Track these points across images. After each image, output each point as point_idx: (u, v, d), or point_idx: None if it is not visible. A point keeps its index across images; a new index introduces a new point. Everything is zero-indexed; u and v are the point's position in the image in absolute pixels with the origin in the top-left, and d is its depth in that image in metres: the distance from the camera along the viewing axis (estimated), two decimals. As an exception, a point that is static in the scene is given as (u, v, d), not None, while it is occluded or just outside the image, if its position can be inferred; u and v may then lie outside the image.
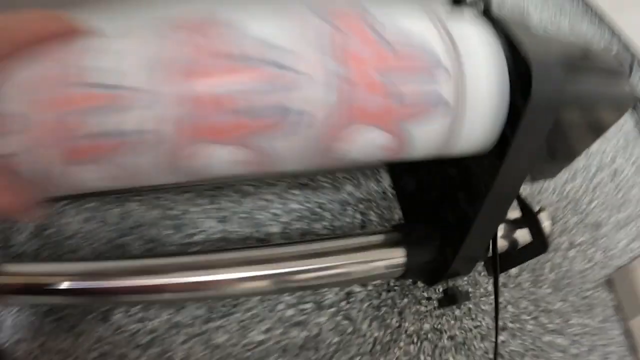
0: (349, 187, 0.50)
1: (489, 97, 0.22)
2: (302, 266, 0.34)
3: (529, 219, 0.34)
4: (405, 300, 0.47)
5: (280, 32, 0.20)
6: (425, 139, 0.22)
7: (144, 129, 0.18)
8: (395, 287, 0.47)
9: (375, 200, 0.50)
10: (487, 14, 0.25)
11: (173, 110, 0.18)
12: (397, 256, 0.35)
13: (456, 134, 0.22)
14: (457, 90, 0.21)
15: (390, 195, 0.50)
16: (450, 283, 0.39)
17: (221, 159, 0.20)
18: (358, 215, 0.49)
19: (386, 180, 0.51)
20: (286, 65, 0.19)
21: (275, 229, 0.49)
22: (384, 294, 0.47)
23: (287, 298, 0.46)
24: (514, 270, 0.51)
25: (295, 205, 0.50)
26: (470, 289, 0.49)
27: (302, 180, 0.51)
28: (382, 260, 0.35)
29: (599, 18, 0.70)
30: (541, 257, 0.51)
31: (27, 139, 0.17)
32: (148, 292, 0.35)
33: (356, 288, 0.47)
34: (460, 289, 0.38)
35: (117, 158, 0.19)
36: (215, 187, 0.51)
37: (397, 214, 0.50)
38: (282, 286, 0.35)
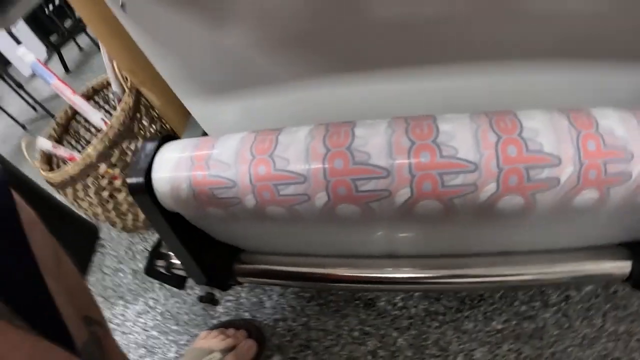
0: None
1: None
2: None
3: None
4: (608, 305, 0.60)
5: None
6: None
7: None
8: (600, 294, 0.60)
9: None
10: None
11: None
12: (624, 266, 0.48)
13: None
14: None
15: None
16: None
17: None
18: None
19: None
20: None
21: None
22: (592, 299, 0.60)
23: (521, 297, 0.60)
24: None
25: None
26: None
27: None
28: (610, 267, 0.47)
29: None
30: None
31: None
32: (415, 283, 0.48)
33: (572, 292, 0.60)
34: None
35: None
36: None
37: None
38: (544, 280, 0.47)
